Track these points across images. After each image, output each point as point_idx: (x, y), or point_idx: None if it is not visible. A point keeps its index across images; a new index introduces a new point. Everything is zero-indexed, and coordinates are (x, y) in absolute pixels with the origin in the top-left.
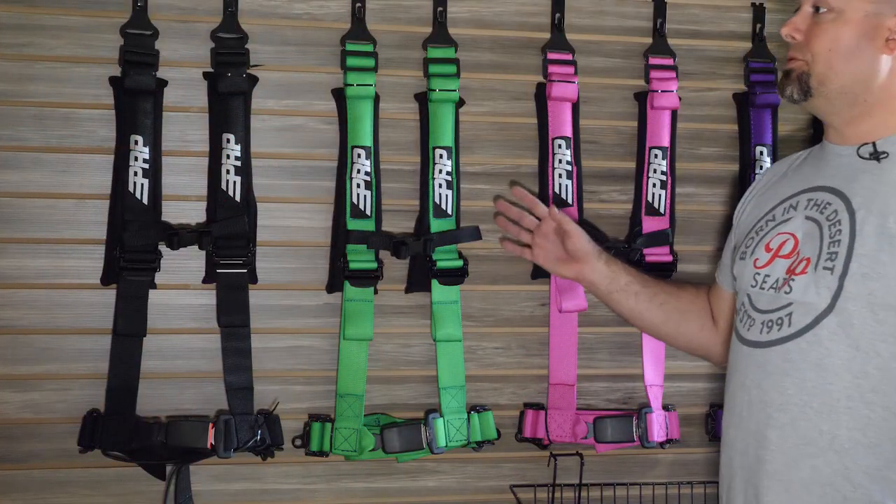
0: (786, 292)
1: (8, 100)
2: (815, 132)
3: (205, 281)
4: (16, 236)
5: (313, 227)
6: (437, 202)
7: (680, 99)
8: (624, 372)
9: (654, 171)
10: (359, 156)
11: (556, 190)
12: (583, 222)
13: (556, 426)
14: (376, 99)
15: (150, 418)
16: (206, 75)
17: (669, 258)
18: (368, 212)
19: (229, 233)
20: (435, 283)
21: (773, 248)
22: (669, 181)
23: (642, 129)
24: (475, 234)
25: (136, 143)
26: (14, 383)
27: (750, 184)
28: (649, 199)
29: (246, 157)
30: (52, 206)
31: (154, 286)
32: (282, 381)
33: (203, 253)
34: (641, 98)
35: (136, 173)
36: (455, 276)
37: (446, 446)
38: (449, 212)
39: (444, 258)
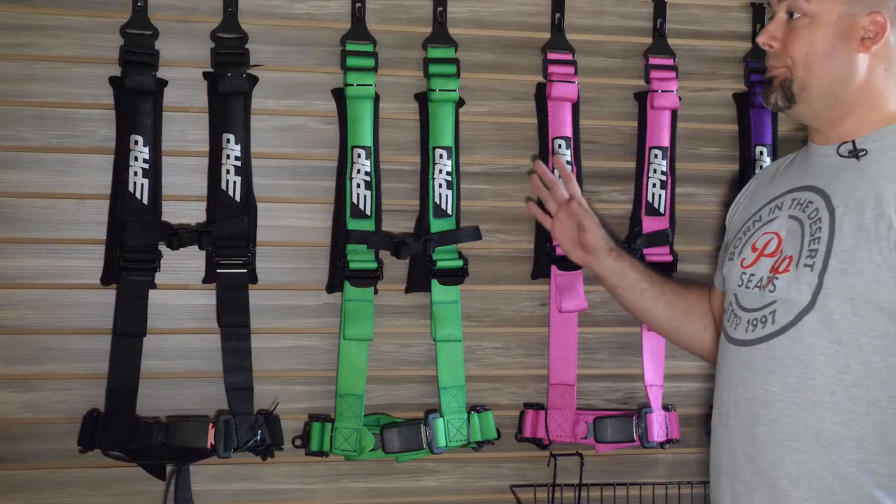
0: (770, 290)
1: (8, 100)
2: None
3: (205, 281)
4: (16, 236)
5: (313, 227)
6: (437, 202)
7: (680, 99)
8: (624, 372)
9: (654, 171)
10: (359, 156)
11: None
12: None
13: (556, 426)
14: (376, 99)
15: (150, 418)
16: (206, 75)
17: (669, 258)
18: (368, 212)
19: (229, 233)
20: (435, 283)
21: (759, 248)
22: (669, 181)
23: (642, 129)
24: (475, 234)
25: (136, 143)
26: (14, 383)
27: None
28: (649, 199)
29: (246, 157)
30: (52, 206)
31: (154, 286)
32: (282, 381)
33: (203, 253)
34: (641, 98)
35: (136, 173)
36: (455, 276)
37: (446, 446)
38: (449, 212)
39: (444, 258)
